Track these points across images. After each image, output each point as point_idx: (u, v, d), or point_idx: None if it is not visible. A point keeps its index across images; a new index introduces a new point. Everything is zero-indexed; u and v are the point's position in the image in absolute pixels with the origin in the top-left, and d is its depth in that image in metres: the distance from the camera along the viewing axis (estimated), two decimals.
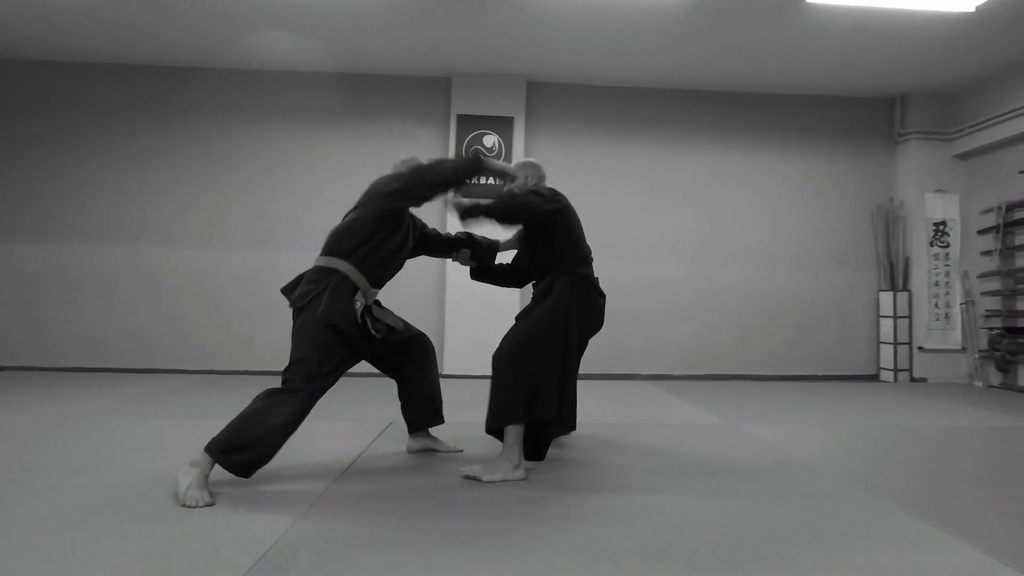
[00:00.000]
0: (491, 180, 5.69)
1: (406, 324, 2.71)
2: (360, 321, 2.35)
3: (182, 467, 2.12)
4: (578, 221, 2.70)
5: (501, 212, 2.50)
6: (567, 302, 2.52)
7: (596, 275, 2.71)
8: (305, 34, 5.04)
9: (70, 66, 5.77)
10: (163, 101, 5.82)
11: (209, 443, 2.12)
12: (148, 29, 5.03)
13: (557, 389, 2.45)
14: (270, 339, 5.50)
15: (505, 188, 2.74)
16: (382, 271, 2.48)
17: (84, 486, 2.24)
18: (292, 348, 2.28)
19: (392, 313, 2.62)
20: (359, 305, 2.34)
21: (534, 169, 2.79)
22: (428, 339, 2.82)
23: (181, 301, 5.68)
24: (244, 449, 2.13)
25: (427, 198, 2.45)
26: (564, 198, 2.66)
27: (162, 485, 2.23)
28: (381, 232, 2.43)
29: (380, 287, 2.52)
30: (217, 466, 2.14)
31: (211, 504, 2.02)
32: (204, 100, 5.84)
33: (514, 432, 2.44)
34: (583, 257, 2.66)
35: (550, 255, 2.63)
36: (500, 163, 2.59)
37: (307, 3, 4.52)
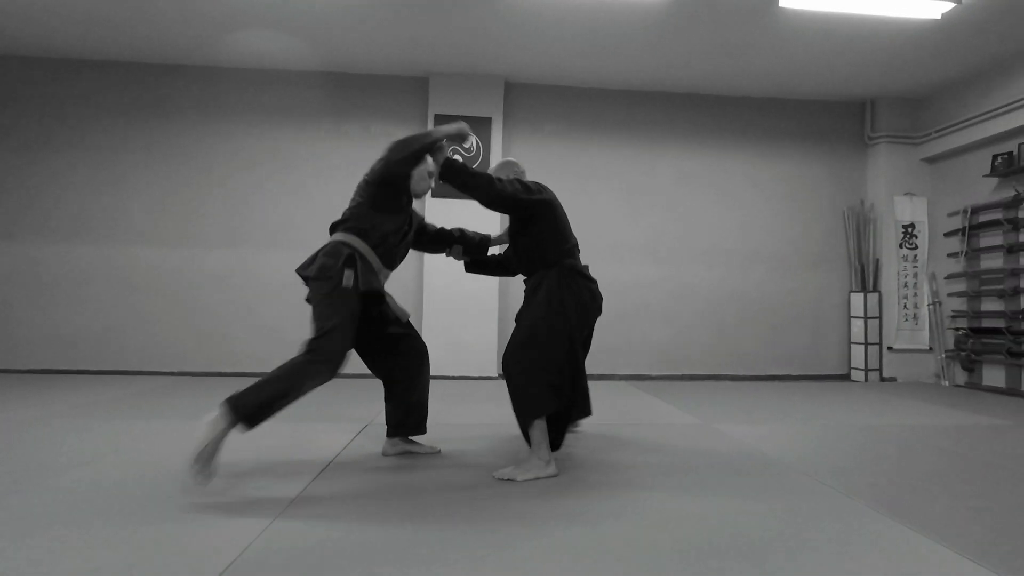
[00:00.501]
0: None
1: (409, 321, 2.73)
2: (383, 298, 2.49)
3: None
4: (563, 213, 2.73)
5: (484, 191, 2.51)
6: (559, 294, 2.55)
7: (587, 266, 2.75)
8: (282, 33, 4.98)
9: (39, 61, 5.62)
10: (135, 98, 5.71)
11: (235, 400, 2.13)
12: (121, 25, 4.93)
13: (568, 378, 2.53)
14: (244, 340, 5.43)
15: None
16: (392, 255, 2.57)
17: (55, 488, 2.19)
18: (319, 318, 2.31)
19: (397, 303, 2.68)
20: (384, 279, 2.49)
21: (511, 167, 2.82)
22: (423, 345, 2.78)
23: (153, 302, 5.57)
24: (268, 407, 2.17)
25: (407, 164, 2.48)
26: (549, 191, 2.70)
27: (134, 487, 2.19)
28: (383, 217, 2.50)
29: (392, 269, 2.61)
30: None
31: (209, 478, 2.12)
32: (178, 98, 5.74)
33: (539, 429, 2.48)
34: (568, 248, 2.68)
35: (536, 248, 2.66)
36: (449, 128, 2.52)
37: (284, 1, 4.47)
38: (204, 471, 2.09)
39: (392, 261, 2.59)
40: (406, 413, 2.72)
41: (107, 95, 5.69)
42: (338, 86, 5.87)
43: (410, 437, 2.82)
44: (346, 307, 2.34)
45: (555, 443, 2.66)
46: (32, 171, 5.61)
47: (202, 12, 4.67)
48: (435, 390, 4.35)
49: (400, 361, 2.69)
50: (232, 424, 2.12)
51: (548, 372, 2.46)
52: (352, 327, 2.36)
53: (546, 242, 2.64)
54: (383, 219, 2.50)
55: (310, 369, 2.23)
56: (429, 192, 2.76)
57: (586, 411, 2.82)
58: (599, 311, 2.72)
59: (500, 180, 2.56)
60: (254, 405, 2.14)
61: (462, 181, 2.50)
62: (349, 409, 3.81)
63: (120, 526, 1.86)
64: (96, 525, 1.87)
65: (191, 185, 5.70)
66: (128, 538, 1.77)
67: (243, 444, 2.73)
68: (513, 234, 2.78)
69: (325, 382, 2.30)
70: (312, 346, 2.27)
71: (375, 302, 2.53)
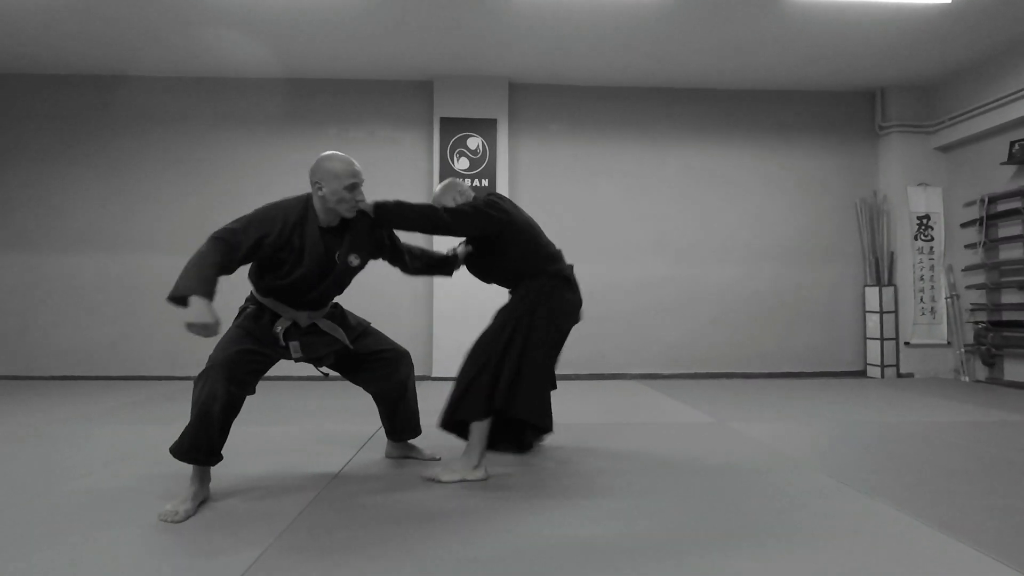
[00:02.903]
0: (473, 182, 5.67)
1: (375, 341, 2.58)
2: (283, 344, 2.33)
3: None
4: (530, 223, 2.62)
5: (428, 222, 2.42)
6: (530, 302, 2.49)
7: (571, 266, 2.68)
8: (286, 41, 5.00)
9: (45, 78, 5.71)
10: (142, 110, 5.76)
11: (173, 448, 2.15)
12: (123, 39, 4.96)
13: (526, 386, 2.40)
14: None
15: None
16: (305, 299, 2.36)
17: (67, 495, 2.21)
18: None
19: (336, 327, 2.47)
20: (279, 329, 2.32)
21: (454, 188, 2.65)
22: (398, 354, 2.62)
23: (163, 308, 5.54)
24: (184, 435, 2.14)
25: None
26: (506, 206, 2.56)
27: (146, 494, 2.20)
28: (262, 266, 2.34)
29: (316, 308, 2.41)
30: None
31: (177, 521, 1.96)
32: (185, 108, 5.79)
33: (478, 431, 2.41)
34: (549, 256, 2.62)
35: (511, 265, 2.59)
36: None
37: (288, 9, 4.48)
38: (167, 518, 1.99)
39: (303, 302, 2.37)
40: (392, 418, 2.68)
41: (117, 108, 5.75)
42: (342, 92, 5.88)
43: (409, 441, 2.79)
44: (244, 327, 2.32)
45: (519, 447, 2.69)
46: (46, 184, 5.69)
47: (208, 23, 4.69)
48: (446, 393, 4.32)
49: (379, 372, 2.58)
50: (195, 474, 2.14)
51: (498, 375, 2.38)
52: (240, 337, 2.28)
53: (520, 257, 2.56)
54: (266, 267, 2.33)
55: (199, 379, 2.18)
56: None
57: (543, 427, 2.55)
58: (576, 320, 2.65)
59: (445, 209, 2.46)
60: (184, 442, 2.13)
61: (399, 221, 2.43)
62: (359, 417, 3.79)
63: (134, 534, 1.85)
64: (109, 533, 1.86)
65: (198, 193, 5.74)
66: (140, 546, 1.77)
67: (251, 455, 2.72)
68: (481, 257, 2.67)
69: (229, 389, 2.14)
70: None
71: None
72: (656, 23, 4.75)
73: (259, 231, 2.21)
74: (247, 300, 2.42)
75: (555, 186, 5.94)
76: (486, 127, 5.74)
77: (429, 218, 2.44)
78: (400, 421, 2.68)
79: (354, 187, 2.29)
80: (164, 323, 5.59)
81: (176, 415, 3.89)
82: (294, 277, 2.27)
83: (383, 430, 2.79)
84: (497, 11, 4.56)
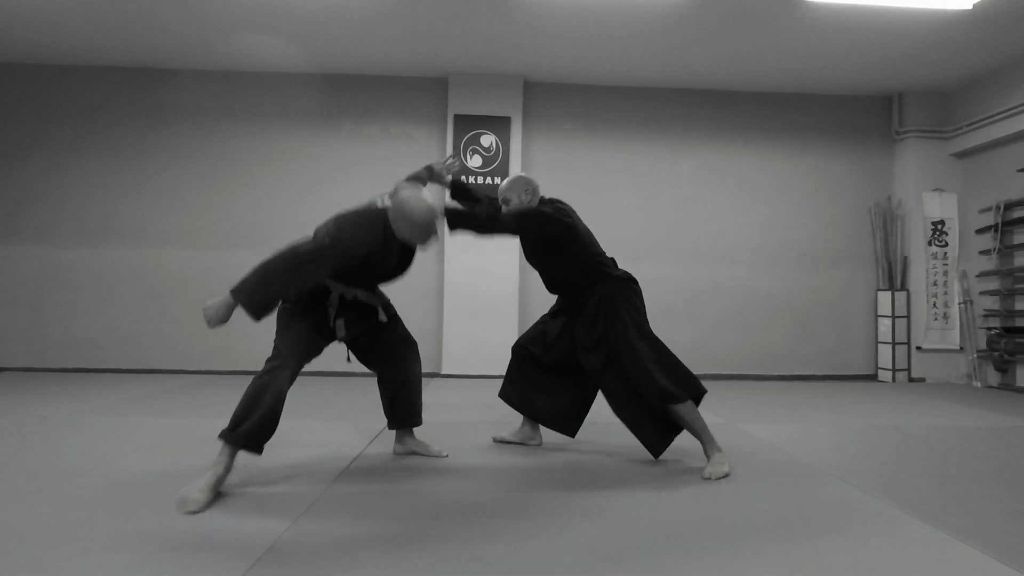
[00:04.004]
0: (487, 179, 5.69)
1: (394, 323, 2.67)
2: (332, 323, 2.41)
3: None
4: (585, 228, 2.74)
5: (504, 230, 2.56)
6: (619, 306, 2.64)
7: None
8: (302, 36, 5.03)
9: (65, 69, 5.76)
10: (160, 103, 5.80)
11: (227, 432, 2.19)
12: (142, 32, 5.01)
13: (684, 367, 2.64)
14: (267, 340, 5.45)
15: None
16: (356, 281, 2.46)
17: (81, 486, 2.23)
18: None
19: (378, 296, 2.60)
20: (331, 311, 2.39)
21: (526, 184, 2.77)
22: (407, 336, 2.71)
23: (178, 302, 5.66)
24: (246, 420, 2.17)
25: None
26: (567, 212, 2.67)
27: (160, 486, 2.22)
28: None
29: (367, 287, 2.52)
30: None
31: (194, 512, 1.98)
32: (202, 102, 5.83)
33: (691, 413, 2.60)
34: (606, 260, 2.75)
35: (580, 270, 2.69)
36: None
37: (305, 4, 4.51)
38: (188, 508, 2.02)
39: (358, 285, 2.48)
40: (392, 402, 2.70)
41: (134, 100, 5.80)
42: (357, 87, 5.91)
43: (417, 434, 2.82)
44: (298, 316, 2.37)
45: (572, 430, 2.86)
46: (60, 176, 5.74)
47: (227, 17, 4.73)
48: (455, 389, 4.35)
49: (383, 352, 2.65)
50: (226, 458, 2.17)
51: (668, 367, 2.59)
52: (304, 330, 2.35)
53: (583, 258, 2.67)
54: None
55: (264, 370, 2.27)
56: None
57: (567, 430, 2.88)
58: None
59: (518, 217, 2.58)
60: (249, 428, 2.18)
61: (474, 227, 2.54)
62: (370, 410, 3.82)
63: (147, 524, 1.89)
64: (123, 523, 1.89)
65: (215, 187, 5.78)
66: (153, 536, 1.79)
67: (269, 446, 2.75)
68: (542, 255, 2.76)
69: (292, 378, 2.31)
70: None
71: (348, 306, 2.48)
72: (673, 24, 4.75)
73: (345, 259, 2.27)
74: None
75: (568, 185, 5.93)
76: (500, 125, 5.75)
77: (497, 222, 2.56)
78: (401, 408, 2.70)
79: (430, 237, 2.40)
80: (177, 317, 5.65)
81: (186, 409, 3.94)
82: (364, 278, 2.44)
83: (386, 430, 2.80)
84: (513, 10, 4.57)
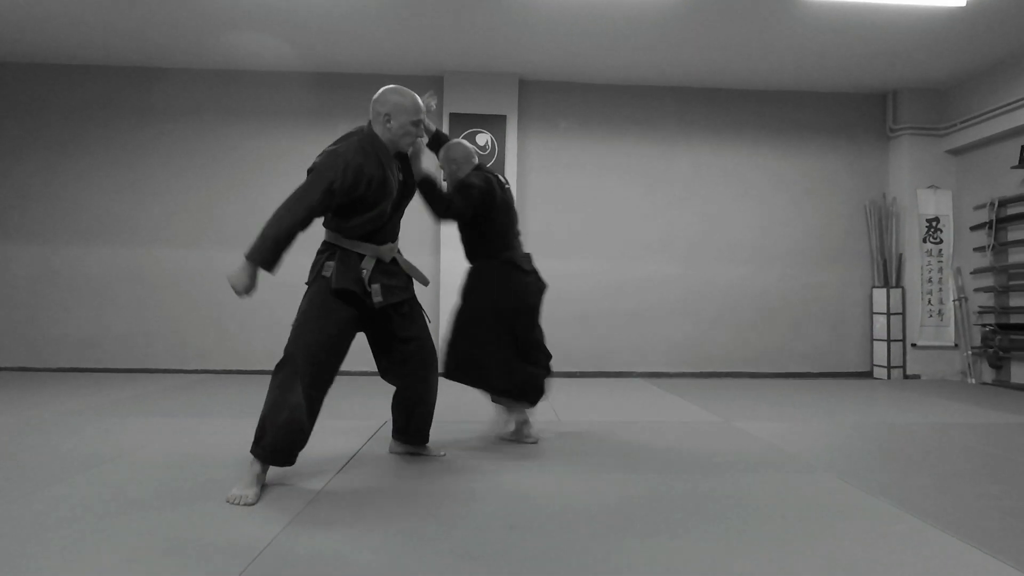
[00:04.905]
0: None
1: (426, 327, 2.65)
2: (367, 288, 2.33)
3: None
4: (506, 205, 2.92)
5: (440, 209, 2.75)
6: (493, 285, 2.85)
7: (527, 252, 2.99)
8: (296, 34, 5.02)
9: (58, 68, 5.73)
10: (154, 102, 5.78)
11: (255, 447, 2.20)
12: (136, 31, 4.99)
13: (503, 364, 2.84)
14: (263, 338, 5.46)
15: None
16: (384, 231, 2.43)
17: (77, 485, 2.23)
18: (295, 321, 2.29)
19: (414, 268, 2.59)
20: (365, 274, 2.33)
21: (469, 158, 3.01)
22: (434, 354, 2.67)
23: (173, 301, 5.64)
24: (264, 435, 2.17)
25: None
26: (490, 184, 2.85)
27: (155, 485, 2.22)
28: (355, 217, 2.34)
29: (394, 239, 2.51)
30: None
31: (251, 504, 2.06)
32: (196, 101, 5.81)
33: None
34: (507, 242, 2.92)
35: (479, 242, 2.92)
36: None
37: (300, 3, 4.49)
38: (237, 500, 2.08)
39: (383, 232, 2.43)
40: (407, 420, 2.66)
41: (127, 99, 5.77)
42: (353, 86, 5.88)
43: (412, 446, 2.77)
44: (320, 306, 2.28)
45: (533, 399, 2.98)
46: (56, 175, 5.72)
47: (221, 16, 4.71)
48: (450, 390, 4.33)
49: (406, 369, 2.58)
50: (258, 465, 2.18)
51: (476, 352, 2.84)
52: (325, 321, 2.26)
53: (487, 236, 2.90)
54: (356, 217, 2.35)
55: (275, 382, 2.21)
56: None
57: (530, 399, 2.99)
58: (534, 302, 2.95)
59: (454, 197, 2.76)
60: (266, 445, 2.18)
61: (430, 197, 2.71)
62: (368, 407, 3.82)
63: (142, 523, 1.88)
64: (118, 523, 1.89)
65: (209, 186, 5.76)
66: (149, 535, 1.79)
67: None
68: (462, 224, 2.96)
69: (315, 382, 2.23)
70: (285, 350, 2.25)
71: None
72: (668, 22, 4.75)
73: (342, 173, 2.19)
74: (322, 252, 2.38)
75: (563, 183, 5.94)
76: (496, 123, 5.75)
77: (449, 210, 2.78)
78: (415, 424, 2.66)
79: (419, 123, 2.41)
80: (172, 316, 5.64)
81: (183, 408, 3.93)
82: (381, 207, 2.33)
83: (389, 429, 2.78)
84: (509, 8, 4.56)
